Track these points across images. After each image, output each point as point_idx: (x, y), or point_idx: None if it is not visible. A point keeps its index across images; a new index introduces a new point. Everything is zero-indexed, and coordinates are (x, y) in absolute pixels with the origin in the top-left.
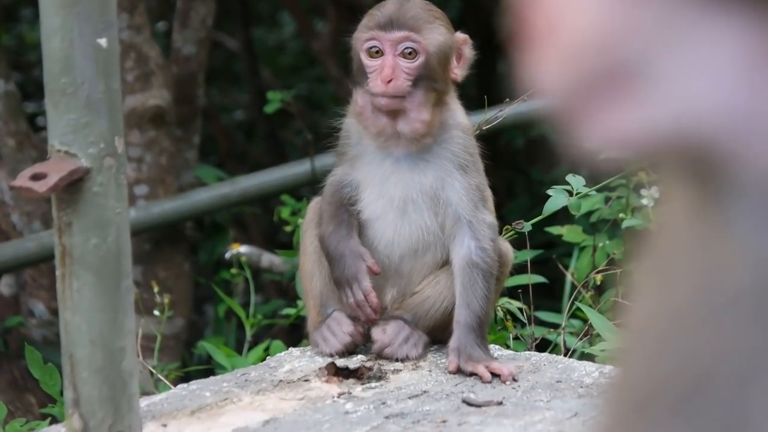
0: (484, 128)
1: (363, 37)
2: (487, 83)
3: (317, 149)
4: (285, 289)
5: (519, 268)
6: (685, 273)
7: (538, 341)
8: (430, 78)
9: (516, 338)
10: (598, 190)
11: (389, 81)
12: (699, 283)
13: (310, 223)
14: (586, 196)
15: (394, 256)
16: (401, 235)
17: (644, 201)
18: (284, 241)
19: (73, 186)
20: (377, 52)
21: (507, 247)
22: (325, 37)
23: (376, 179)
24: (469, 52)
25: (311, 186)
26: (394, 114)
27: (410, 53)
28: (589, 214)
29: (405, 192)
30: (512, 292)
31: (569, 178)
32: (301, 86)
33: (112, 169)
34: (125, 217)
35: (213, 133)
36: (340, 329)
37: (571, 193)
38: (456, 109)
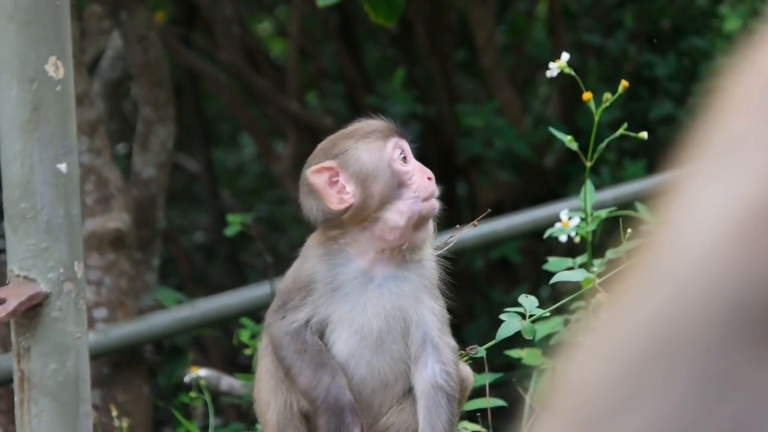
0: (436, 252)
1: (389, 147)
2: (447, 205)
3: (277, 271)
4: (245, 412)
5: (478, 391)
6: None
7: None
8: None
9: None
10: (557, 312)
11: (430, 178)
12: None
13: (265, 350)
14: (542, 318)
15: (367, 391)
16: (375, 368)
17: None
18: (244, 364)
19: (33, 311)
20: (404, 158)
21: (467, 371)
22: (285, 159)
23: (355, 312)
24: None
25: None
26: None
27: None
28: (549, 336)
29: (385, 322)
30: (471, 416)
31: (522, 299)
32: (261, 208)
33: (71, 294)
34: (84, 342)
35: (173, 256)
36: None
37: (524, 316)
38: None
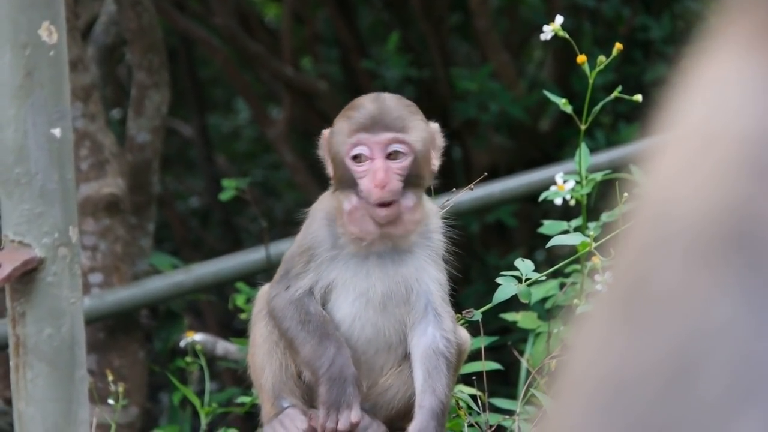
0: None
1: (348, 142)
2: (442, 169)
3: (272, 236)
4: (240, 376)
5: (474, 355)
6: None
7: (493, 428)
8: (417, 175)
9: (471, 426)
10: (552, 276)
11: (384, 186)
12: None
13: (259, 314)
14: (538, 282)
15: (371, 352)
16: (380, 330)
17: (598, 287)
18: (240, 329)
19: (27, 276)
20: (361, 157)
21: (465, 335)
22: (279, 124)
23: (359, 277)
24: (440, 139)
25: (266, 273)
26: (389, 222)
27: (398, 153)
28: (544, 300)
29: (388, 287)
30: (467, 379)
31: (518, 263)
32: (256, 172)
33: (66, 259)
34: (79, 306)
35: (168, 220)
36: (293, 425)
37: (520, 280)
38: (427, 197)
